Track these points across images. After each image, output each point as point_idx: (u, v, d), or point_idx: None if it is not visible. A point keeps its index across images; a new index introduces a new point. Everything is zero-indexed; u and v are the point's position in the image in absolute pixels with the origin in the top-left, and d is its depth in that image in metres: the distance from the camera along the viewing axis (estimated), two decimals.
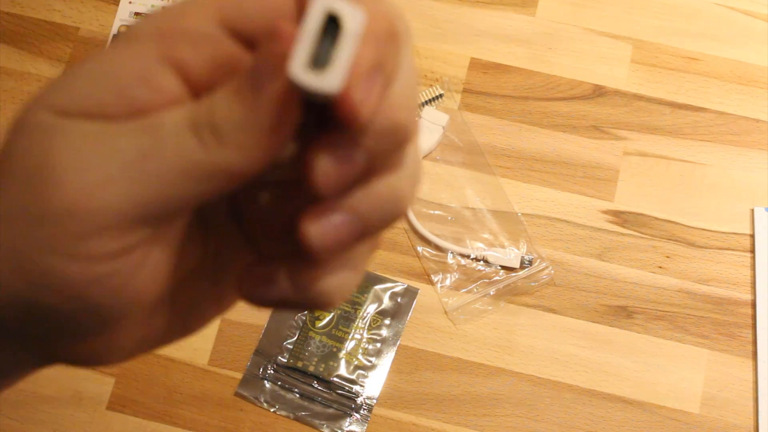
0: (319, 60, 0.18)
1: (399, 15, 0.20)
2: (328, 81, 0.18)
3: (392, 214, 0.21)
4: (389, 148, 0.20)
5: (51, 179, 0.19)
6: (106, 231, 0.19)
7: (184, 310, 0.24)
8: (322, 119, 0.20)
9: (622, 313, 0.65)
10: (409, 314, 0.65)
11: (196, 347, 0.64)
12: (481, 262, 0.66)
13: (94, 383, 0.63)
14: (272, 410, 0.63)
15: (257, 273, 0.22)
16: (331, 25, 0.18)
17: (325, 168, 0.20)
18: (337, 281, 0.22)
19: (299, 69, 0.18)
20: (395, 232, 0.67)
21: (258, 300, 0.22)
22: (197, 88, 0.20)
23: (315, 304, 0.22)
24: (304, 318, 0.65)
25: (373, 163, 0.20)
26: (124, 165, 0.19)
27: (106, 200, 0.19)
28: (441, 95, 0.70)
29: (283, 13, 0.20)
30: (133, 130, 0.19)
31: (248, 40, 0.20)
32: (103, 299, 0.20)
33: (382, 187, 0.21)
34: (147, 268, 0.21)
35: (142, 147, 0.19)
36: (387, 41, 0.19)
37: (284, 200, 0.23)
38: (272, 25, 0.19)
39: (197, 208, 0.21)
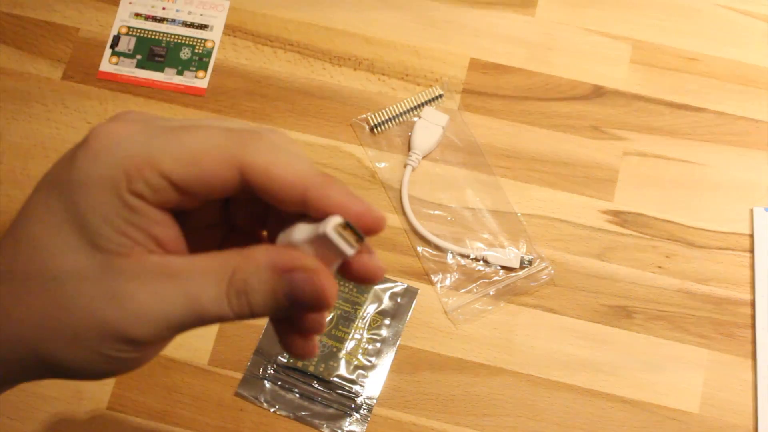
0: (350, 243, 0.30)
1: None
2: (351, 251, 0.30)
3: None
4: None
5: (120, 310, 0.28)
6: (144, 343, 0.29)
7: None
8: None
9: (622, 313, 0.65)
10: (409, 314, 0.65)
11: (196, 347, 0.64)
12: (481, 262, 0.66)
13: (95, 383, 0.63)
14: (272, 410, 0.63)
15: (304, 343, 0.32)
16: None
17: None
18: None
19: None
20: (395, 232, 0.67)
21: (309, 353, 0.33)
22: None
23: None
24: None
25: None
26: (168, 317, 0.28)
27: (150, 333, 0.28)
28: (441, 95, 0.70)
29: (222, 182, 0.28)
30: (178, 294, 0.28)
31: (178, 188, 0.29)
32: (130, 367, 0.30)
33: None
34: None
35: (186, 311, 0.28)
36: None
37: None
38: (312, 266, 0.29)
39: None
